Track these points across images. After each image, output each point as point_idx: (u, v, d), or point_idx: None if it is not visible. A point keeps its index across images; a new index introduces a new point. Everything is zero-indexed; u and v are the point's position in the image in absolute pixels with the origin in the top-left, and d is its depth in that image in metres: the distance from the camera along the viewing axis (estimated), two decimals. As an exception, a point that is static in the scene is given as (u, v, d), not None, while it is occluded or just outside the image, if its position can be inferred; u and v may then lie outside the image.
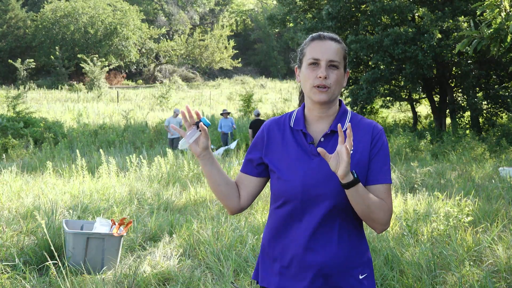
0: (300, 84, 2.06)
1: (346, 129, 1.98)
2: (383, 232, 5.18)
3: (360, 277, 1.97)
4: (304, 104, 2.08)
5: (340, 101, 2.08)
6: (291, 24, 19.49)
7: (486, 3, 5.13)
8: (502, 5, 5.03)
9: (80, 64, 36.29)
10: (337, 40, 2.02)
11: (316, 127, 2.03)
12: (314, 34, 2.05)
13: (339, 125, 1.79)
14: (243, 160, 2.13)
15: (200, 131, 1.98)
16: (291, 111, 2.13)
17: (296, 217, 1.97)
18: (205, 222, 5.93)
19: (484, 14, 5.36)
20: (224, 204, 2.10)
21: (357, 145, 1.96)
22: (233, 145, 13.97)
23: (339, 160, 1.78)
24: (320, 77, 1.94)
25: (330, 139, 1.99)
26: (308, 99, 2.02)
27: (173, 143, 14.59)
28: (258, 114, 15.23)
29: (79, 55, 37.75)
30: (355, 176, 1.82)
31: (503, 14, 5.07)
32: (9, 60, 37.23)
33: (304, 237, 1.95)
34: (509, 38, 5.05)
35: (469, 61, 16.37)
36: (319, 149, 1.79)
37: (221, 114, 15.95)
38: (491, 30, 5.08)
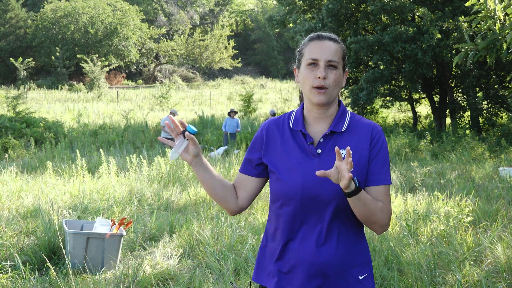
0: (299, 85, 2.06)
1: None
2: (383, 232, 5.18)
3: (360, 277, 1.97)
4: (303, 104, 2.08)
5: (339, 101, 2.08)
6: (291, 25, 19.48)
7: (480, 15, 5.14)
8: (496, 16, 5.04)
9: (81, 64, 36.26)
10: (335, 40, 2.01)
11: (315, 127, 2.02)
12: (312, 34, 2.04)
13: (336, 147, 1.79)
14: (242, 160, 2.14)
15: (187, 140, 1.98)
16: (289, 111, 2.13)
17: (295, 218, 1.97)
18: (205, 222, 5.93)
19: (479, 25, 5.38)
20: (223, 206, 2.10)
21: (356, 145, 1.97)
22: (235, 151, 13.90)
23: (340, 176, 1.78)
24: (319, 78, 1.94)
25: (330, 139, 1.99)
26: (307, 100, 2.02)
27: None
28: (274, 114, 15.01)
29: (78, 55, 37.70)
30: (357, 184, 1.82)
31: (497, 25, 5.08)
32: (11, 59, 37.19)
33: (303, 237, 1.95)
34: (504, 46, 5.06)
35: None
36: (317, 172, 1.79)
37: (229, 114, 15.78)
38: (487, 41, 5.09)
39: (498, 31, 4.98)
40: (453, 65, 5.84)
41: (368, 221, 1.92)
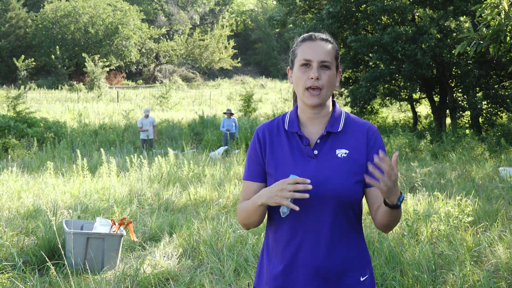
0: (293, 86, 2.06)
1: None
2: (383, 232, 5.17)
3: (361, 279, 1.97)
4: (297, 106, 2.07)
5: (334, 101, 2.07)
6: (291, 25, 19.46)
7: (484, 4, 5.12)
8: (501, 6, 5.02)
9: (85, 63, 36.21)
10: (328, 40, 2.00)
11: (311, 128, 2.02)
12: (305, 35, 2.03)
13: (381, 153, 1.73)
14: (245, 167, 2.12)
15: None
16: (283, 113, 2.11)
17: (293, 220, 1.95)
18: (205, 222, 5.92)
19: (483, 15, 5.36)
20: (253, 226, 2.02)
21: (353, 145, 1.97)
22: (236, 151, 13.89)
23: (388, 183, 1.74)
24: (312, 78, 1.93)
25: (326, 140, 1.98)
26: (301, 100, 2.01)
27: (148, 143, 14.46)
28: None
29: (83, 54, 37.61)
30: (400, 203, 1.82)
31: (502, 14, 5.06)
32: (13, 58, 37.13)
33: (302, 239, 1.94)
34: (508, 38, 5.05)
35: (469, 61, 16.36)
36: (367, 180, 1.75)
37: (224, 113, 15.83)
38: (490, 31, 5.07)
39: (503, 21, 4.96)
40: (455, 54, 5.81)
41: (387, 227, 1.93)
